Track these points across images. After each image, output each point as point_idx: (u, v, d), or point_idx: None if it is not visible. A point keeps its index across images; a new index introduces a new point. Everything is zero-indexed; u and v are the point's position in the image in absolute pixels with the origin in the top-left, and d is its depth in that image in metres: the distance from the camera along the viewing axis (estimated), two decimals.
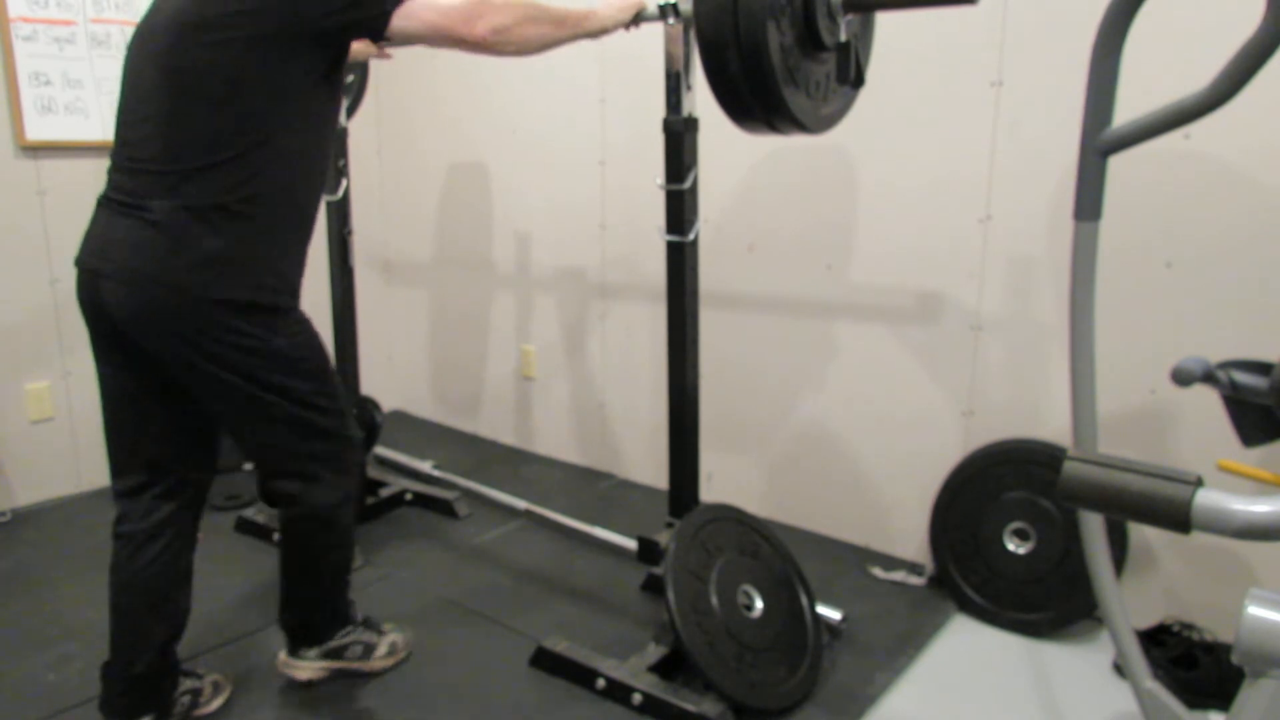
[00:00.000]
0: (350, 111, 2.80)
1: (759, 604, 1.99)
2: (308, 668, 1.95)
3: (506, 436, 3.63)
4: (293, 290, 1.70)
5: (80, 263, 1.63)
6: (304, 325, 1.71)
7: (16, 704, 1.93)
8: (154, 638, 1.75)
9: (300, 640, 1.95)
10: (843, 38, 1.75)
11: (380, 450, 3.33)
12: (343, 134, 2.68)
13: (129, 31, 3.03)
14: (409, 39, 1.62)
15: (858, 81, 1.83)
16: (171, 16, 1.56)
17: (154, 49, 1.57)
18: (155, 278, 1.54)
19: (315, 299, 3.62)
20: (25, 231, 2.90)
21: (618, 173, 3.04)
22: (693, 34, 1.81)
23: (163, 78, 1.55)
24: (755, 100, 1.68)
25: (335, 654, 1.98)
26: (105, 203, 1.62)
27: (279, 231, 1.64)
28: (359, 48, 2.43)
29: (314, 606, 1.93)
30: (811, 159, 2.56)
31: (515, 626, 2.24)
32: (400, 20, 1.56)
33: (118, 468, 1.76)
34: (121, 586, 1.74)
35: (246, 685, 2.00)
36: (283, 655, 1.96)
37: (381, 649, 2.04)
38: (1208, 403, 1.83)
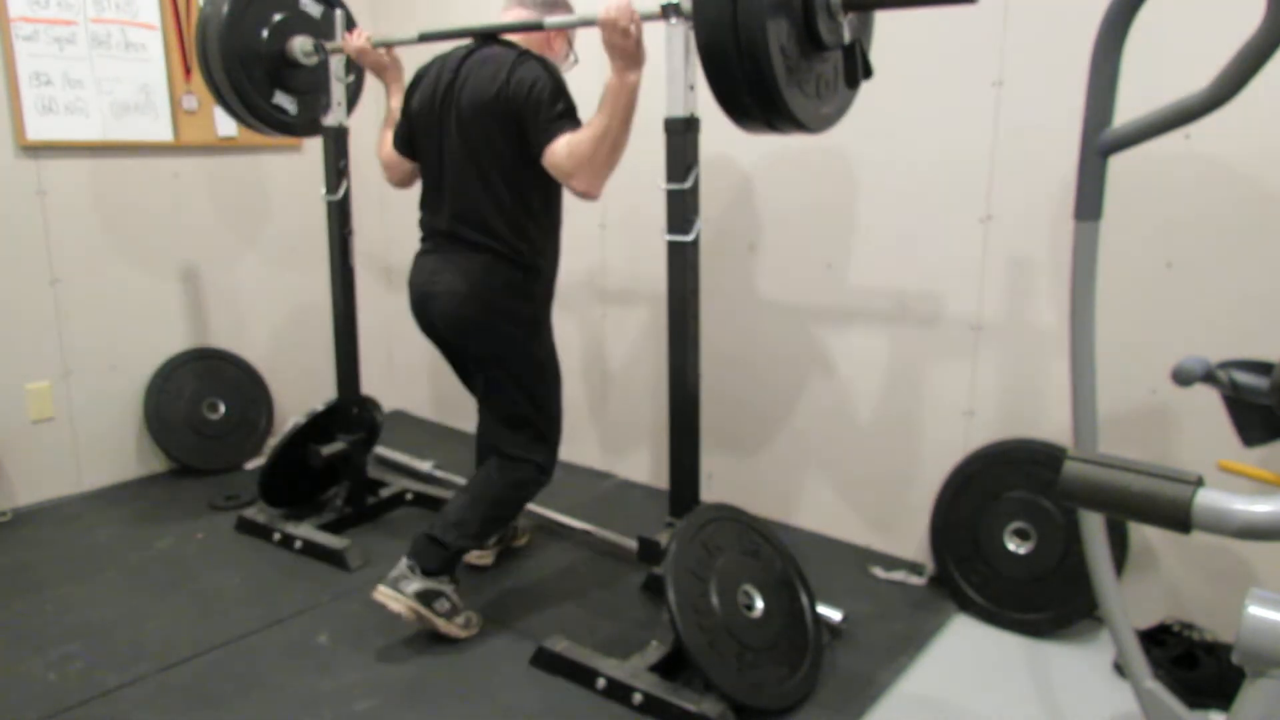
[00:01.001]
0: (349, 109, 2.80)
1: (759, 604, 1.99)
2: (401, 601, 2.10)
3: None
4: (546, 306, 2.26)
5: (414, 286, 2.22)
6: (552, 342, 2.27)
7: (17, 704, 1.93)
8: None
9: (424, 556, 2.13)
10: (846, 39, 1.75)
11: (380, 450, 3.33)
12: (343, 134, 2.68)
13: (129, 31, 3.03)
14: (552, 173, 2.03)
15: (866, 74, 1.83)
16: (465, 115, 2.07)
17: (455, 135, 2.10)
18: (470, 294, 2.11)
19: (317, 299, 3.63)
20: (25, 231, 2.90)
21: (618, 172, 3.02)
22: (693, 34, 1.81)
23: (471, 168, 2.09)
24: (754, 100, 1.68)
25: (428, 598, 2.12)
26: (433, 245, 2.21)
27: (544, 273, 2.21)
28: (355, 49, 2.44)
29: (463, 537, 2.16)
30: (812, 159, 2.56)
31: (515, 626, 2.24)
32: (548, 158, 1.99)
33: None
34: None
35: (249, 685, 2.00)
36: (381, 586, 2.12)
37: (460, 618, 2.18)
38: (1208, 403, 1.83)
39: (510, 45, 2.10)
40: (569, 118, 2.00)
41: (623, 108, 1.93)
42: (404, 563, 2.13)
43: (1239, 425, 1.61)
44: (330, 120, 2.66)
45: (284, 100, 2.71)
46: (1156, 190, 2.03)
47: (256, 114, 2.69)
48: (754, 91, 1.66)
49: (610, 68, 1.93)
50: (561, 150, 1.97)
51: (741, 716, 1.83)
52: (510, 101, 2.00)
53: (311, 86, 2.74)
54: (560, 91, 2.01)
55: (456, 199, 2.12)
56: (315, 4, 2.73)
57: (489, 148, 2.05)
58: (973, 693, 1.98)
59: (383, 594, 2.10)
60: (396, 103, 2.40)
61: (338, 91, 2.65)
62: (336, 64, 2.62)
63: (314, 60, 2.66)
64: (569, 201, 3.19)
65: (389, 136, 2.35)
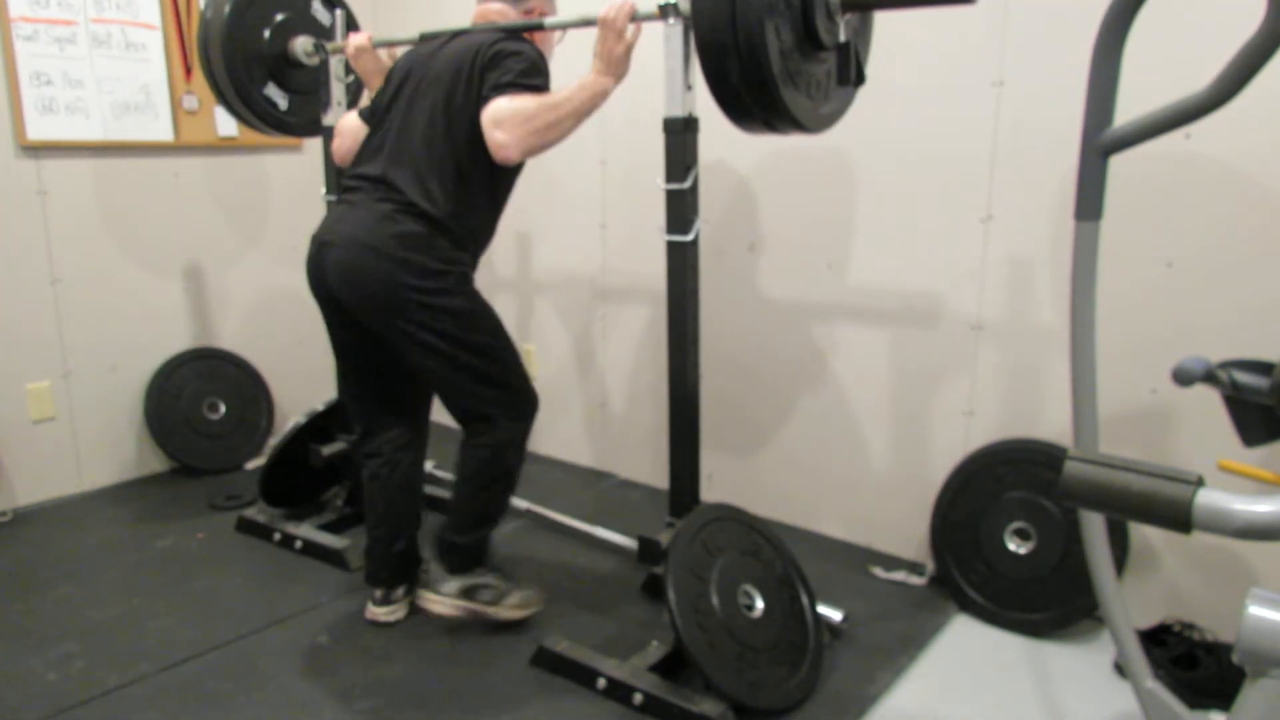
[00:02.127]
0: (349, 109, 2.80)
1: (760, 604, 1.99)
2: (444, 603, 2.13)
3: None
4: (470, 267, 2.09)
5: (314, 239, 2.07)
6: (477, 293, 2.08)
7: (17, 703, 1.93)
8: (407, 528, 2.26)
9: (446, 560, 2.15)
10: (842, 38, 1.74)
11: None
12: None
13: (129, 31, 3.03)
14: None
15: (859, 80, 1.83)
16: (438, 72, 2.02)
17: (420, 89, 2.03)
18: (366, 242, 1.95)
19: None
20: (26, 231, 2.90)
21: (618, 172, 3.04)
22: (692, 34, 1.81)
23: (422, 118, 2.00)
24: (753, 100, 1.68)
25: (469, 593, 2.14)
26: (342, 199, 2.08)
27: (455, 237, 2.03)
28: (354, 49, 2.43)
29: (466, 530, 2.15)
30: (812, 158, 2.56)
31: (515, 626, 2.23)
32: (488, 107, 1.91)
33: (363, 418, 2.25)
34: (377, 498, 2.23)
35: (249, 685, 2.00)
36: (422, 591, 2.15)
37: (513, 598, 2.18)
38: (1208, 402, 1.83)
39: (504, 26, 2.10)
40: (531, 90, 1.94)
41: (583, 101, 1.93)
42: (434, 565, 2.15)
43: (1239, 425, 1.61)
44: (330, 120, 2.66)
45: (275, 94, 2.70)
46: (1157, 190, 2.03)
47: (258, 113, 2.69)
48: (753, 91, 1.65)
49: (592, 65, 1.96)
50: (504, 101, 1.89)
51: (741, 716, 1.83)
52: (485, 56, 1.96)
53: (313, 86, 2.74)
54: (537, 69, 1.98)
55: (397, 148, 2.02)
56: (325, 11, 2.74)
57: (448, 104, 1.98)
58: (973, 693, 1.98)
59: (427, 599, 2.13)
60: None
61: (337, 91, 2.65)
62: (336, 64, 2.63)
63: (315, 60, 2.67)
64: (570, 201, 3.20)
65: (354, 112, 2.30)
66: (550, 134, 1.91)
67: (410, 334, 1.98)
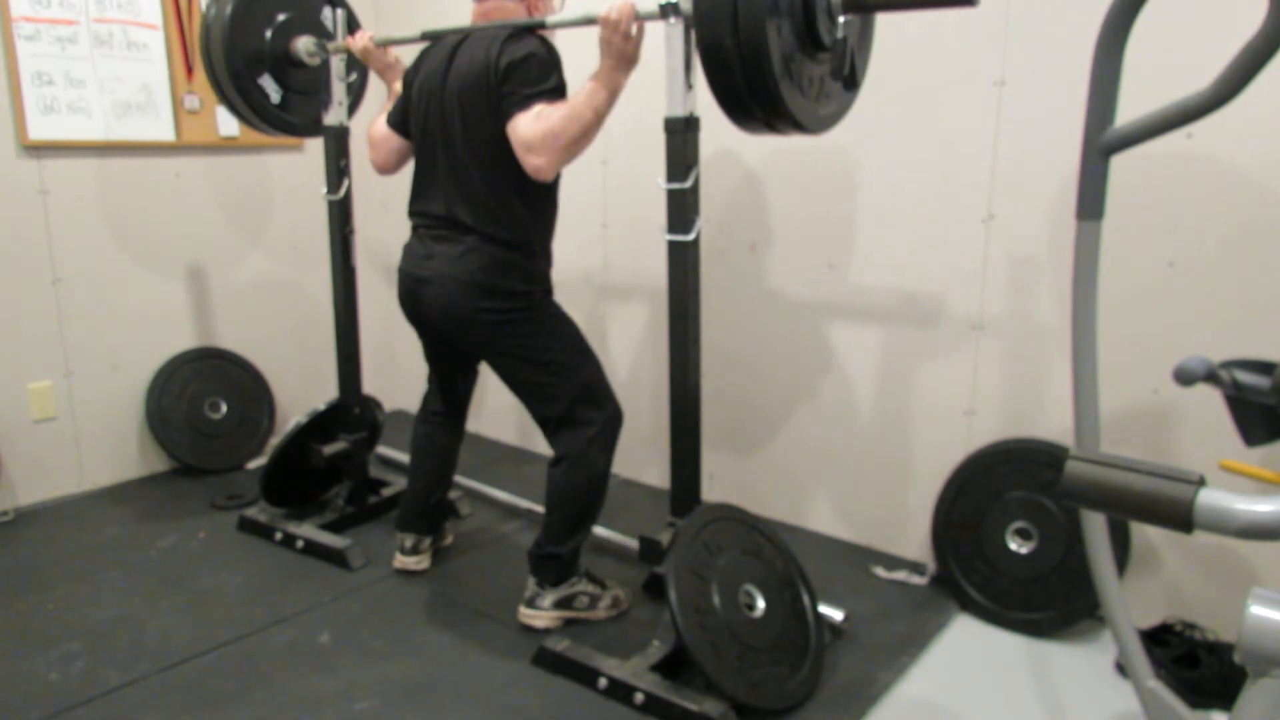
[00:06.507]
0: (351, 110, 2.80)
1: (761, 603, 1.99)
2: (543, 616, 2.21)
3: (509, 436, 3.63)
4: (547, 286, 2.21)
5: (405, 273, 2.20)
6: (559, 310, 2.21)
7: (18, 703, 1.93)
8: (443, 485, 2.54)
9: (541, 574, 2.21)
10: (839, 35, 1.74)
11: (382, 450, 3.33)
12: (344, 133, 2.68)
13: (131, 31, 3.03)
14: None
15: (850, 83, 1.83)
16: (458, 97, 2.05)
17: (449, 118, 2.07)
18: (458, 277, 2.07)
19: (318, 298, 3.63)
20: (27, 231, 2.90)
21: (619, 172, 3.04)
22: (693, 33, 1.81)
23: (465, 150, 2.06)
24: (754, 100, 1.68)
25: (565, 603, 2.22)
26: (423, 232, 2.17)
27: (534, 252, 2.14)
28: (361, 49, 2.44)
29: (562, 539, 2.19)
30: (813, 158, 2.56)
31: (516, 625, 2.23)
32: (514, 125, 1.95)
33: (435, 396, 2.53)
34: (426, 454, 2.51)
35: (250, 685, 2.00)
36: (522, 608, 2.22)
37: (605, 601, 2.27)
38: (1210, 402, 1.83)
39: (504, 26, 2.08)
40: (551, 95, 1.97)
41: (601, 102, 1.93)
42: (531, 581, 2.22)
43: (1241, 425, 1.61)
44: (330, 120, 2.66)
45: (268, 87, 2.70)
46: (1158, 190, 2.03)
47: (260, 113, 2.69)
48: (754, 92, 1.66)
49: (600, 63, 1.95)
50: (530, 118, 1.93)
51: (743, 716, 1.83)
52: (498, 73, 1.97)
53: (314, 86, 2.74)
54: (552, 67, 1.99)
55: (452, 182, 2.09)
56: (327, 10, 2.74)
57: (482, 127, 2.02)
58: (974, 693, 1.98)
59: (526, 615, 2.21)
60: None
61: (338, 91, 2.65)
62: (337, 63, 2.63)
63: (316, 60, 2.67)
64: (571, 201, 3.19)
65: (383, 118, 2.35)
66: (581, 145, 1.96)
67: (504, 350, 2.14)
